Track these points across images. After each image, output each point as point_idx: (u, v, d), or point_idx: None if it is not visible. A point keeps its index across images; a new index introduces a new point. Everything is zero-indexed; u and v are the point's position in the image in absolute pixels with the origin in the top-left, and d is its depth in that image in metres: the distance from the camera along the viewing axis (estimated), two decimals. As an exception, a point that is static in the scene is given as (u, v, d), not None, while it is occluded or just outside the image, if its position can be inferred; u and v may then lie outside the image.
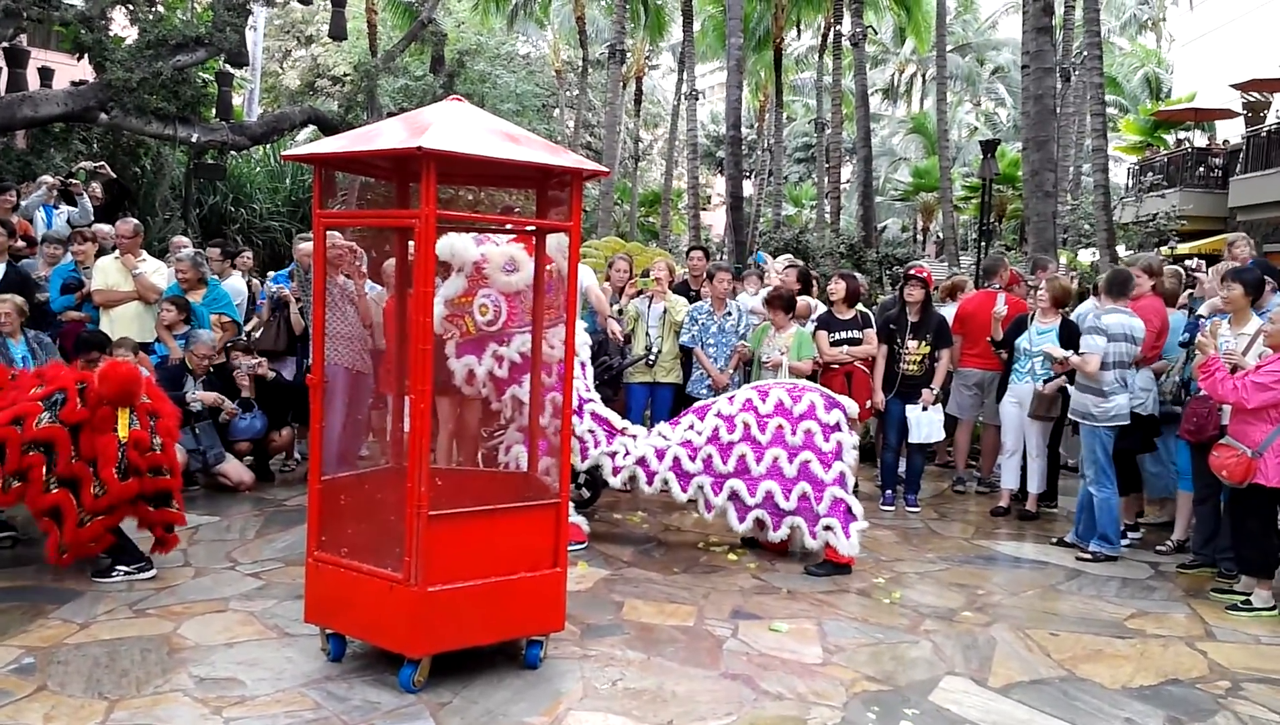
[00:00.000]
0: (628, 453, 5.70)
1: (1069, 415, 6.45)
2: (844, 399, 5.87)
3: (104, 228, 8.16)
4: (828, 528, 5.56)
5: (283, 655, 4.10)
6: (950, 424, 8.15)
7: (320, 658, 4.05)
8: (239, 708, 3.61)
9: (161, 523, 4.94)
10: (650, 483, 5.69)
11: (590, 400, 5.75)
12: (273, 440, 7.37)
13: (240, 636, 4.29)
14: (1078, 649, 4.63)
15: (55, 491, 4.51)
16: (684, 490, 5.67)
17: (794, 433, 5.60)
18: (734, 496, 5.62)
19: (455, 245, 5.14)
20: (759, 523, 5.70)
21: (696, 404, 6.02)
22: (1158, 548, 6.45)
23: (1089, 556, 6.14)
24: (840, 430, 5.68)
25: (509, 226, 5.13)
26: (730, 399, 5.81)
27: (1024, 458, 7.24)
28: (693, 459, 5.65)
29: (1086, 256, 18.08)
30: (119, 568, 4.72)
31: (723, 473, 5.62)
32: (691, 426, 5.74)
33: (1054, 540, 6.57)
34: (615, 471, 5.71)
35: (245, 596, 4.83)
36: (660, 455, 5.68)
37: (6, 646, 4.06)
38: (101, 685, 3.75)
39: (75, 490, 4.57)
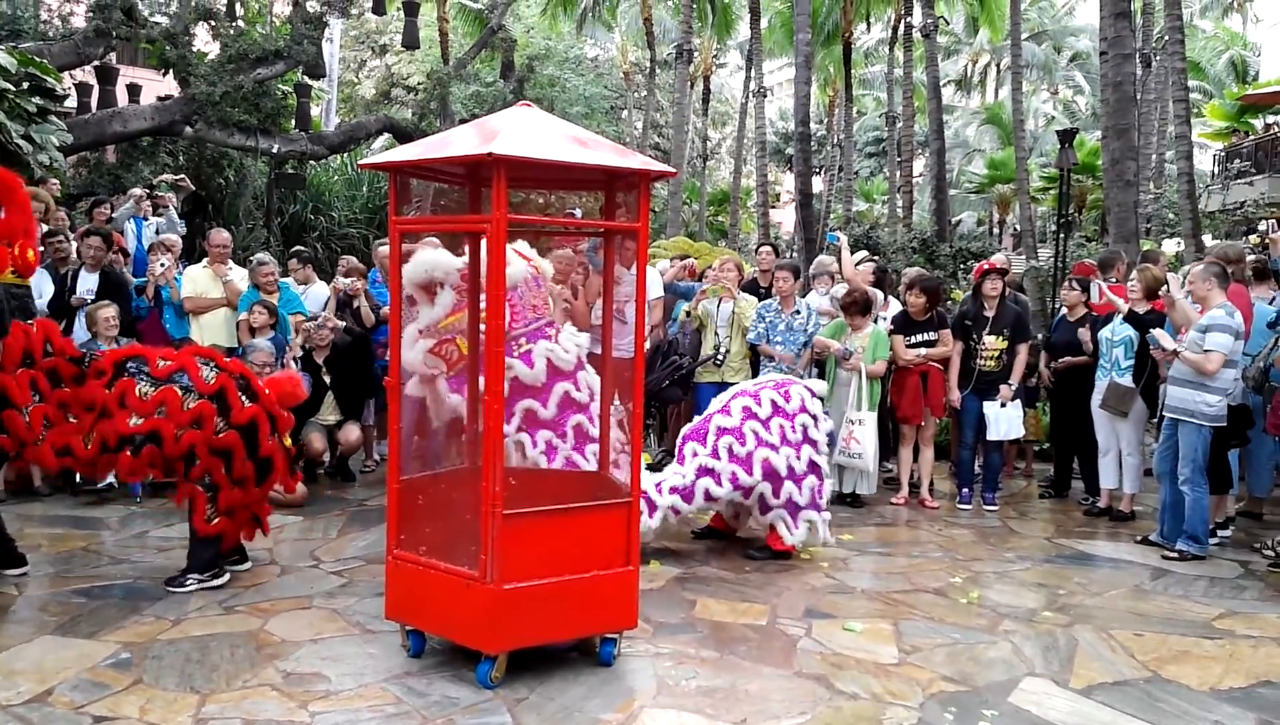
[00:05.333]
0: (654, 509, 5.39)
1: (1165, 413, 6.16)
2: (817, 384, 5.92)
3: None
4: (809, 521, 5.63)
5: (365, 651, 4.21)
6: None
7: (401, 654, 4.15)
8: (324, 702, 3.72)
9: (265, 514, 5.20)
10: (678, 515, 5.56)
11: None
12: (343, 441, 7.34)
13: (324, 633, 4.42)
14: (1163, 650, 4.51)
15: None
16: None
17: (794, 429, 5.59)
18: (761, 501, 5.58)
19: (434, 259, 4.74)
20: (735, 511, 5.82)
21: (688, 428, 5.77)
22: (1256, 546, 6.24)
23: (1175, 555, 5.97)
24: (819, 419, 5.75)
25: (576, 229, 5.18)
26: (725, 411, 5.63)
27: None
28: (720, 484, 5.51)
29: (1171, 247, 17.54)
30: (191, 576, 4.85)
31: (748, 485, 5.52)
32: (696, 454, 5.53)
33: (1138, 539, 6.40)
34: (650, 512, 5.38)
35: (329, 594, 4.96)
36: (688, 497, 5.49)
37: (104, 641, 4.24)
38: (193, 679, 3.89)
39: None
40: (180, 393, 4.71)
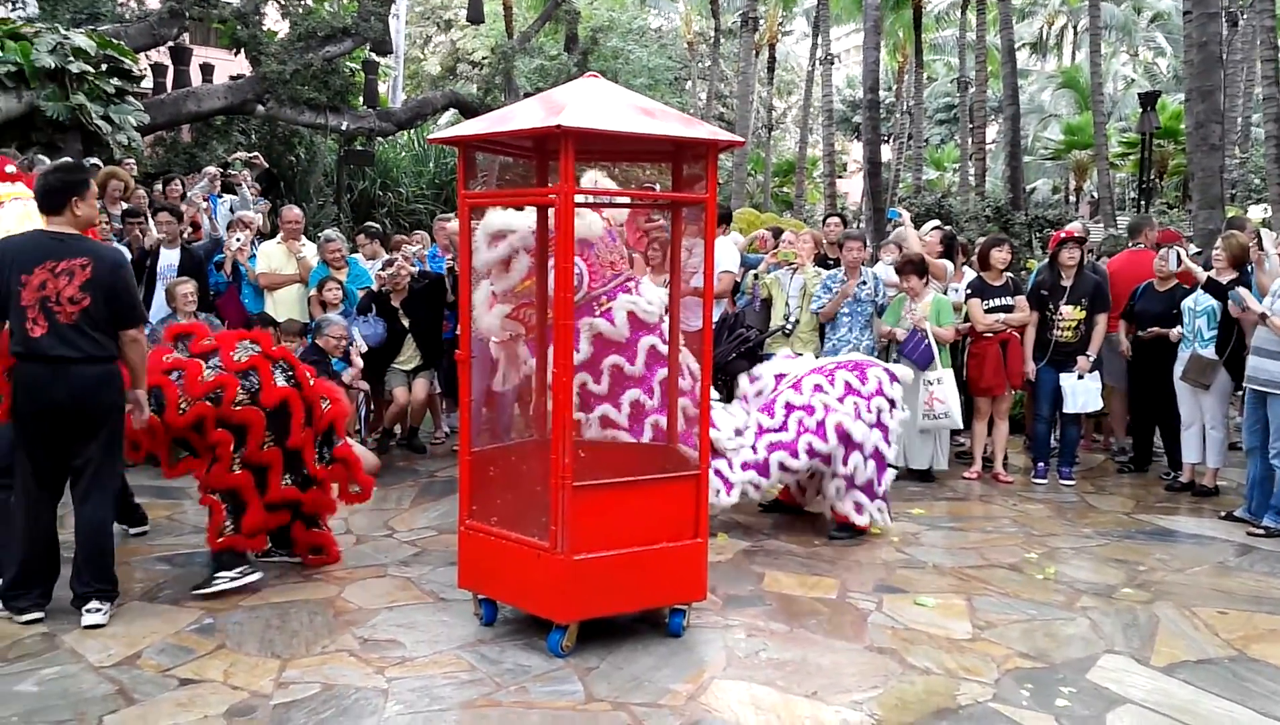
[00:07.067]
0: (730, 487, 5.34)
1: (1249, 386, 5.96)
2: (899, 369, 5.77)
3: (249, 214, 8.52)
4: (867, 507, 5.54)
5: (438, 619, 4.28)
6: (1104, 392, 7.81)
7: (473, 622, 4.21)
8: (400, 668, 3.79)
9: (309, 544, 4.95)
10: (759, 491, 5.54)
11: None
12: (412, 397, 7.33)
13: (399, 601, 4.50)
14: (1249, 628, 4.37)
15: (238, 473, 4.50)
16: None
17: (869, 410, 5.48)
18: (832, 465, 5.51)
19: (505, 221, 4.68)
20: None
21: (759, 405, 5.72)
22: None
23: (1261, 532, 5.78)
24: (896, 405, 5.61)
25: (645, 201, 5.15)
26: (797, 387, 5.55)
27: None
28: (795, 456, 5.45)
29: (1257, 212, 16.88)
30: (220, 575, 4.50)
31: (825, 452, 5.44)
32: (764, 430, 5.46)
33: (1222, 515, 6.21)
34: (728, 489, 5.33)
35: (403, 563, 5.05)
36: (764, 471, 5.43)
37: (188, 608, 4.37)
38: (274, 645, 4.00)
39: (262, 477, 4.56)
40: (204, 367, 4.47)
